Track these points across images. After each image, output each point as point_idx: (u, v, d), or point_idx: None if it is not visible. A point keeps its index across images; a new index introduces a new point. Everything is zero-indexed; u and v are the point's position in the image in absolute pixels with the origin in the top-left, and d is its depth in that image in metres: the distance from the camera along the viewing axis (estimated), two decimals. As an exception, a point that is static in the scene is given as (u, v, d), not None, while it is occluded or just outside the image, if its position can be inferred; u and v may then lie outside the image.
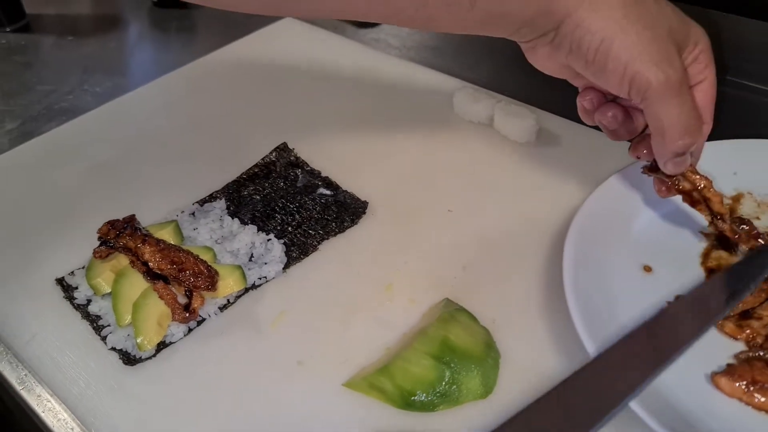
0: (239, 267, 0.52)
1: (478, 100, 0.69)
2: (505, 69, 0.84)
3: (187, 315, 0.49)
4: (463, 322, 0.48)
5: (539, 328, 0.49)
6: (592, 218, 0.53)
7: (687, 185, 0.50)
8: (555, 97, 0.76)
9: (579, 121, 0.69)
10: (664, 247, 0.53)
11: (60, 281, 0.54)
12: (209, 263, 0.52)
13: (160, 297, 0.49)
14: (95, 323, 0.51)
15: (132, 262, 0.51)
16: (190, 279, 0.49)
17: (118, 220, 0.54)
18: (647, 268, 0.52)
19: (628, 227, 0.55)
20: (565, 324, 0.48)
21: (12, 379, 0.49)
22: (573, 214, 0.56)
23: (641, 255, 0.52)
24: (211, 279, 0.50)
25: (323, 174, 0.64)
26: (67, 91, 0.84)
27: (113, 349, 0.49)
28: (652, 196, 0.55)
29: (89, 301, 0.52)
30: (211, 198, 0.61)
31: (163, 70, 0.84)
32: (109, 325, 0.50)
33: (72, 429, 0.45)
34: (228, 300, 0.52)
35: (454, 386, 0.43)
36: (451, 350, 0.45)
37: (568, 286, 0.47)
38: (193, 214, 0.59)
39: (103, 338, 0.50)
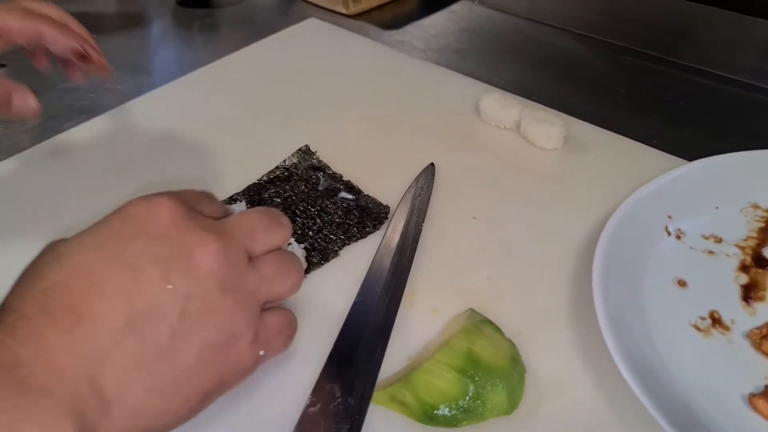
0: (258, 272, 0.51)
1: (504, 105, 0.68)
2: (532, 73, 0.82)
3: None
4: (487, 334, 0.46)
5: (566, 341, 0.48)
6: (623, 228, 0.51)
7: None
8: (583, 103, 0.75)
9: (608, 127, 0.68)
10: (699, 261, 0.51)
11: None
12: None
13: None
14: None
15: None
16: None
17: None
18: (681, 283, 0.50)
19: (661, 239, 0.53)
20: (593, 337, 0.46)
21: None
22: (601, 223, 0.55)
23: (675, 268, 0.51)
24: None
25: (345, 178, 0.63)
26: (89, 90, 0.83)
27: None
28: (686, 207, 0.53)
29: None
30: (232, 200, 0.60)
31: (186, 69, 0.83)
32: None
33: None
34: (246, 305, 0.51)
35: (479, 401, 0.42)
36: (475, 363, 0.43)
37: (598, 298, 0.46)
38: (212, 216, 0.58)
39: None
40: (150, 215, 0.36)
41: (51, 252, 0.36)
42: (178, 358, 0.34)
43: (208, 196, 0.42)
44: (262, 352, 0.39)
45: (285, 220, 0.42)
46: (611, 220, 0.51)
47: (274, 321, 0.40)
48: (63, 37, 0.51)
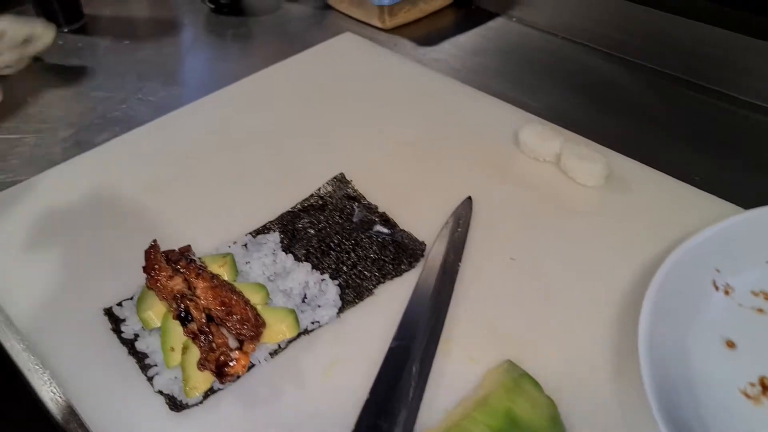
0: (293, 312, 0.50)
1: (545, 138, 0.66)
2: (570, 98, 0.80)
3: (222, 378, 0.45)
4: (527, 391, 0.45)
5: (609, 400, 0.46)
6: (670, 282, 0.49)
7: None
8: (623, 131, 0.73)
9: (649, 160, 0.66)
10: (748, 320, 0.49)
11: (108, 312, 0.53)
12: (261, 304, 0.50)
13: (200, 349, 0.46)
14: (142, 361, 0.49)
15: (176, 305, 0.48)
16: (236, 325, 0.47)
17: (173, 251, 0.52)
18: (730, 344, 0.48)
19: (709, 294, 0.51)
20: (637, 398, 0.45)
21: (56, 412, 0.47)
22: (645, 269, 0.54)
23: (724, 327, 0.49)
24: (256, 329, 0.47)
25: (380, 209, 0.61)
26: (121, 99, 0.83)
27: (160, 392, 0.47)
28: (735, 261, 0.51)
29: (137, 336, 0.50)
30: (265, 229, 0.59)
31: (218, 79, 0.83)
32: (156, 365, 0.48)
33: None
34: (279, 345, 0.50)
35: (518, 465, 0.41)
36: (514, 424, 0.42)
37: (644, 361, 0.44)
38: (245, 245, 0.57)
39: (150, 378, 0.48)
40: None
41: None
42: None
43: None
44: None
45: None
46: (658, 274, 0.49)
47: None
48: None
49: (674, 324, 0.48)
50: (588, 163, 0.63)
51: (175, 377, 0.47)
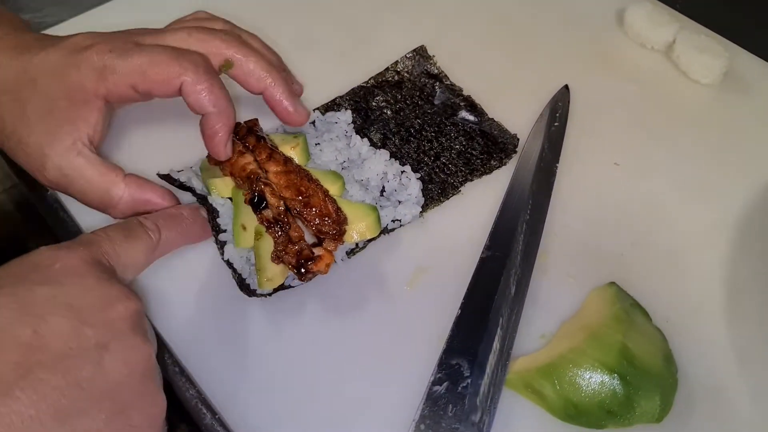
0: (375, 209, 0.43)
1: (657, 22, 0.57)
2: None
3: (302, 277, 0.40)
4: (639, 323, 0.40)
5: (721, 337, 0.42)
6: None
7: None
8: (750, 26, 0.63)
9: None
10: None
11: (165, 177, 0.45)
12: (336, 196, 0.44)
13: (276, 243, 0.40)
14: (213, 220, 0.42)
15: (251, 184, 0.42)
16: (315, 220, 0.41)
17: (239, 124, 0.45)
18: None
19: None
20: (754, 338, 0.41)
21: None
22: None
23: None
24: (338, 226, 0.41)
25: (465, 92, 0.54)
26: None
27: (228, 264, 0.42)
28: None
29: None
30: (335, 105, 0.52)
31: None
32: (226, 230, 0.43)
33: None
34: (357, 244, 0.45)
35: (629, 406, 0.37)
36: (629, 362, 0.37)
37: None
38: (313, 123, 0.50)
39: (221, 245, 0.42)
40: None
41: None
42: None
43: None
44: None
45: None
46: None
47: None
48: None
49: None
50: (707, 56, 0.55)
51: (248, 258, 0.42)
